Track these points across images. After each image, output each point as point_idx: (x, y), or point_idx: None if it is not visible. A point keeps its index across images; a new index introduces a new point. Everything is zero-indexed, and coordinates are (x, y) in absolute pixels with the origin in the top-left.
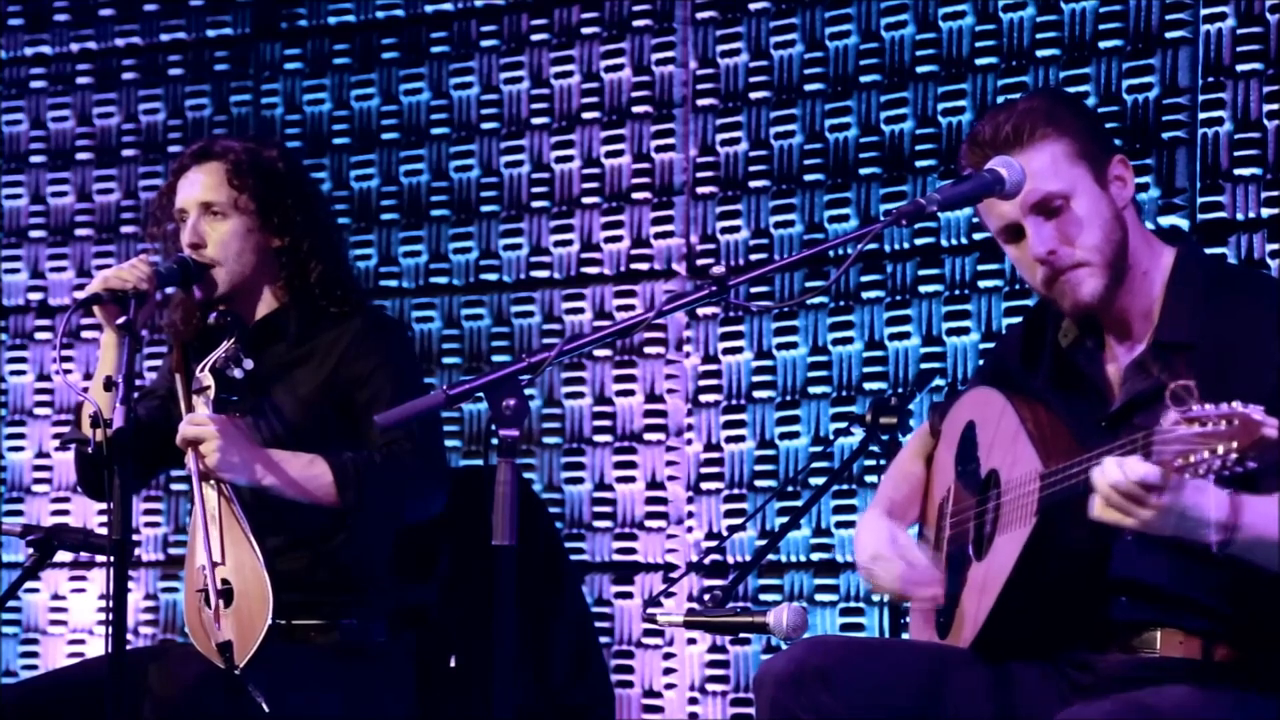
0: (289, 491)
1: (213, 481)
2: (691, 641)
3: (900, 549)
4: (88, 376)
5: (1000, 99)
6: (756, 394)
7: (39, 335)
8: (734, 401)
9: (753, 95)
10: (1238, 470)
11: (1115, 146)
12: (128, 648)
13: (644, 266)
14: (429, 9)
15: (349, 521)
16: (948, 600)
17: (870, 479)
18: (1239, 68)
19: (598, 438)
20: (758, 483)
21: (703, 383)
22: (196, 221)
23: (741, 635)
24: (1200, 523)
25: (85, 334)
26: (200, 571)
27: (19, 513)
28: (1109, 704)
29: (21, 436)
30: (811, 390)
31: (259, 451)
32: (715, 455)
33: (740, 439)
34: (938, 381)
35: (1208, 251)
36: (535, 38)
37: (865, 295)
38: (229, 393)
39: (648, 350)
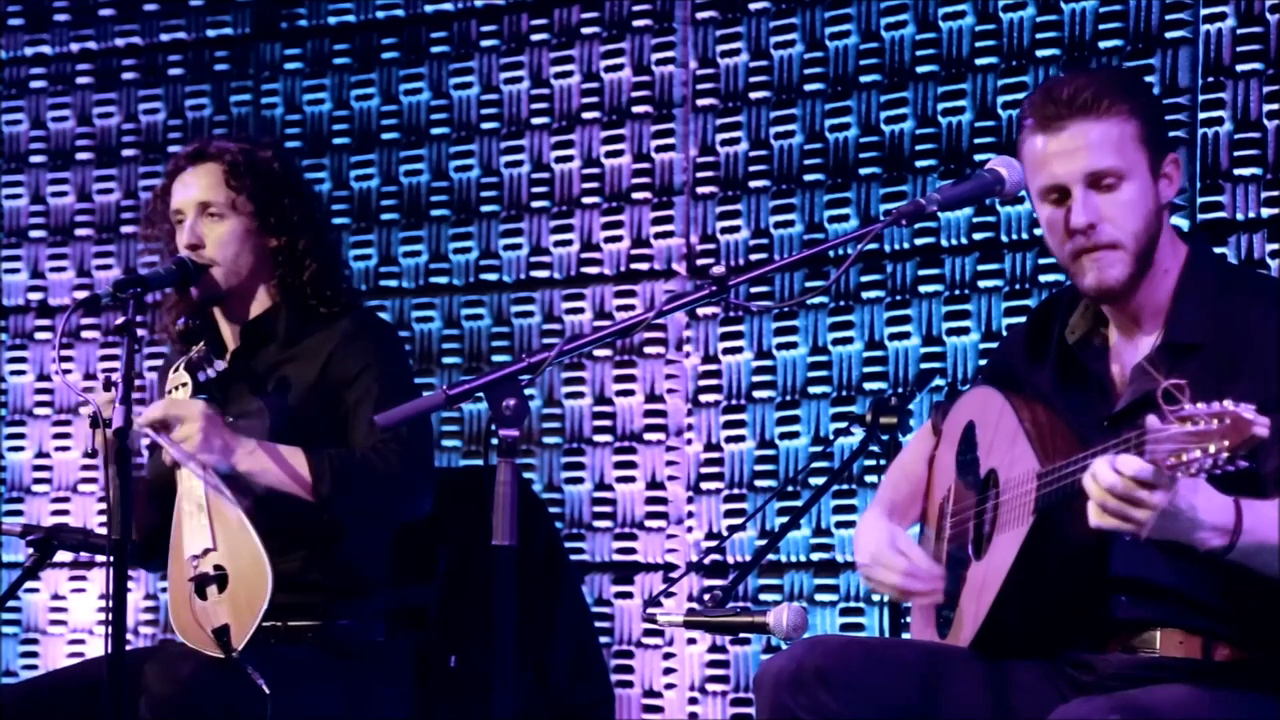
0: (266, 479)
1: (193, 469)
2: (691, 641)
3: (900, 549)
4: (88, 376)
5: (1000, 99)
6: (756, 394)
7: (39, 335)
8: (734, 401)
9: (753, 95)
10: (1229, 469)
11: (1172, 142)
12: (127, 648)
13: (644, 266)
14: (429, 9)
15: (327, 516)
16: (948, 600)
17: (870, 479)
18: (1239, 68)
19: (598, 438)
20: (758, 483)
21: (703, 383)
22: (194, 222)
23: (741, 635)
24: (1200, 525)
25: (85, 334)
26: (189, 562)
27: (19, 513)
28: (1107, 702)
29: (21, 436)
30: (811, 390)
31: (239, 438)
32: (715, 455)
33: (740, 439)
34: (938, 381)
35: (1216, 251)
36: (535, 38)
37: (865, 295)
38: (201, 393)
39: (648, 350)
